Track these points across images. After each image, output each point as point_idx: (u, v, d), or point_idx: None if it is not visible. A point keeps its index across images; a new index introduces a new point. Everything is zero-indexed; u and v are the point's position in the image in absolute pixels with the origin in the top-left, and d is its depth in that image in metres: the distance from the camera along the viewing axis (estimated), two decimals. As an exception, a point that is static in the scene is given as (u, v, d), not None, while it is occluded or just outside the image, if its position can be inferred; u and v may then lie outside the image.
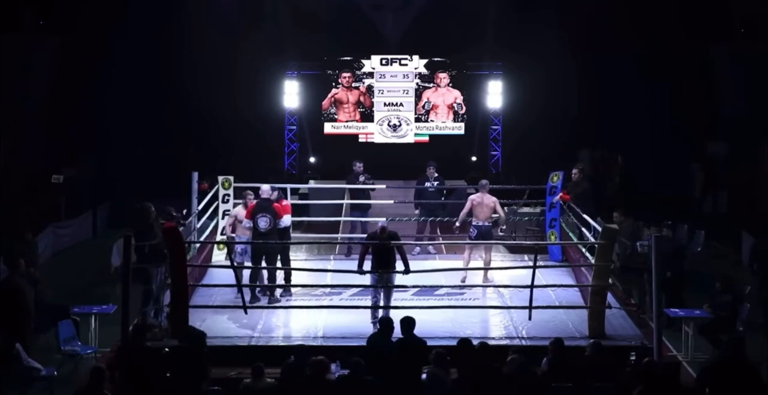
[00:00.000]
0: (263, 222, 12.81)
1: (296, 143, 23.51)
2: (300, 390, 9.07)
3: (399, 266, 11.89)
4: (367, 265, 11.92)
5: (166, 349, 10.13)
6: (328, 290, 13.08)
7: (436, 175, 15.92)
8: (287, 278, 13.23)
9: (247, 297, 12.22)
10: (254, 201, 13.12)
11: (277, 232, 13.05)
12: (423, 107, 22.67)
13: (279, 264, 12.99)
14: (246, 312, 11.78)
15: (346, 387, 9.05)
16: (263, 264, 12.71)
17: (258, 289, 12.87)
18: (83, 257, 17.65)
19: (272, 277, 12.98)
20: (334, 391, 9.10)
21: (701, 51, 22.62)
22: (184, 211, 14.76)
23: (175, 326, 11.12)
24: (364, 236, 15.48)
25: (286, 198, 15.10)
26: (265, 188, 13.27)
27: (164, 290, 11.88)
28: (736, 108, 22.09)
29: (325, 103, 22.74)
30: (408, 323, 9.81)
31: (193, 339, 9.73)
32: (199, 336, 9.76)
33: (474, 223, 13.94)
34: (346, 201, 16.74)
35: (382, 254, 11.82)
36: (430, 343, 10.46)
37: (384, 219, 13.07)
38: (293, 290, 13.10)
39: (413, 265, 12.08)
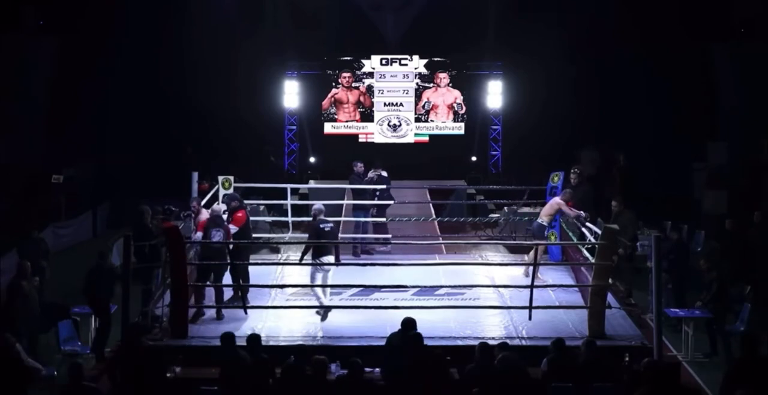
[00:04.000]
0: (217, 237, 12.15)
1: (296, 143, 23.52)
2: (300, 390, 9.06)
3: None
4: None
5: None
6: (328, 290, 13.05)
7: (383, 172, 15.47)
8: (241, 293, 12.15)
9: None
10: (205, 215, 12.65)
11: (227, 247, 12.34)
12: (423, 107, 22.68)
13: (230, 280, 12.35)
14: (246, 312, 11.79)
15: (346, 387, 9.05)
16: (211, 279, 12.19)
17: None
18: (83, 257, 17.62)
19: (218, 292, 12.30)
20: (334, 391, 9.10)
21: (701, 51, 22.63)
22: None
23: (175, 326, 11.13)
24: (367, 236, 15.51)
25: (289, 198, 15.04)
26: (216, 208, 12.79)
27: (164, 290, 11.88)
28: (736, 108, 22.09)
29: (325, 103, 22.75)
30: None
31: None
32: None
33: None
34: (346, 201, 16.71)
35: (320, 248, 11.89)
36: (430, 343, 10.48)
37: (320, 203, 12.81)
38: (290, 291, 13.05)
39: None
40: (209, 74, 22.32)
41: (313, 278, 12.06)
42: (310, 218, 12.47)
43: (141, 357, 9.47)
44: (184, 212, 13.44)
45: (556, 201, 13.65)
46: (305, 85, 23.24)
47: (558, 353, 9.55)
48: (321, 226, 12.03)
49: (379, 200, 15.41)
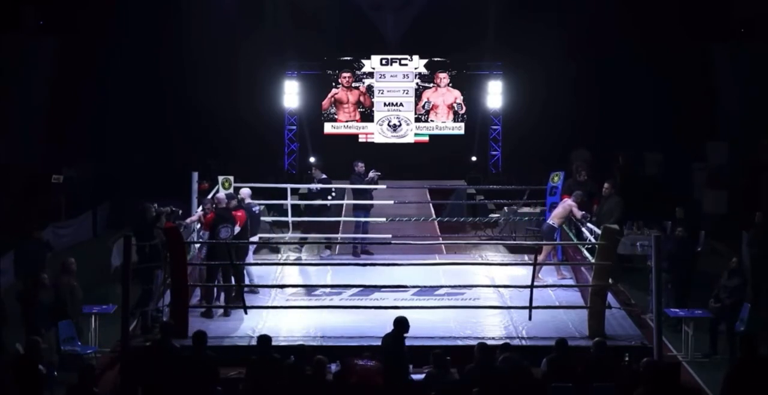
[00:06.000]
0: (225, 233, 12.29)
1: (296, 143, 23.52)
2: (300, 390, 9.06)
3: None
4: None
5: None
6: (328, 290, 13.08)
7: (323, 176, 15.67)
8: (237, 292, 12.26)
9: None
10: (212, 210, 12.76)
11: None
12: (423, 107, 22.67)
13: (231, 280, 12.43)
14: (246, 312, 11.79)
15: (342, 387, 9.06)
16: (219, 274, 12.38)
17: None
18: (83, 257, 17.61)
19: (227, 292, 12.50)
20: (334, 391, 9.10)
21: (701, 51, 22.63)
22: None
23: (175, 326, 11.12)
24: (367, 236, 15.52)
25: (289, 198, 15.02)
26: (221, 196, 13.03)
27: (164, 290, 11.89)
28: (736, 108, 22.09)
29: (325, 103, 22.75)
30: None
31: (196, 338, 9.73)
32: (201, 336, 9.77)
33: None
34: (346, 201, 16.72)
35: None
36: (429, 343, 10.50)
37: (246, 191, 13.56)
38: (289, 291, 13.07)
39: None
40: (209, 74, 22.33)
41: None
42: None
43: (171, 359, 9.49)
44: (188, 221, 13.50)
45: (569, 203, 13.53)
46: (305, 85, 23.23)
47: (559, 353, 9.55)
48: (253, 209, 13.43)
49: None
